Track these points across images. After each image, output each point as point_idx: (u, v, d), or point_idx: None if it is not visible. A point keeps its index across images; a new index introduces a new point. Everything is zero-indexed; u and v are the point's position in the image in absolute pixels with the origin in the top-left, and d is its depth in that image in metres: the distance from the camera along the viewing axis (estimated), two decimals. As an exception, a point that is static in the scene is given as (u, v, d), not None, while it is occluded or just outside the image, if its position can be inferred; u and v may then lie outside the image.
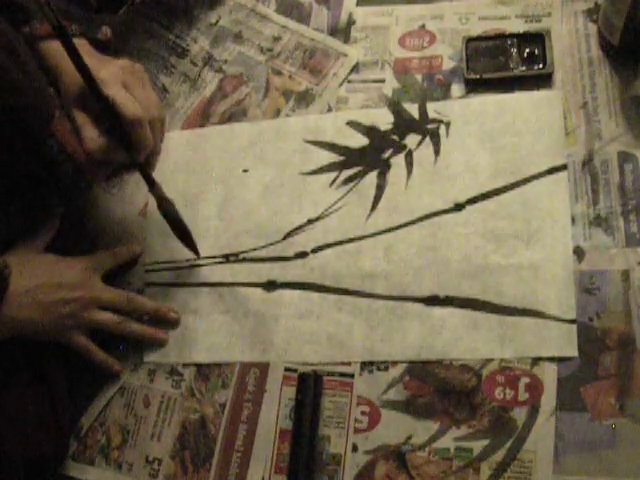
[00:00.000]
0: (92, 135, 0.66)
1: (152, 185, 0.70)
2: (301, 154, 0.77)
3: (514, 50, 0.75)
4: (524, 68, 0.74)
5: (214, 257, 0.76)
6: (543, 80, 0.73)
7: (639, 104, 0.70)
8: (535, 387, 0.63)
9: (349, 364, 0.69)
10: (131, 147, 0.68)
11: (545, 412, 0.62)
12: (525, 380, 0.64)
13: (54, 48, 0.66)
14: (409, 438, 0.65)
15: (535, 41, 0.74)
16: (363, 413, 0.67)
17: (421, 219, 0.71)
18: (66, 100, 0.67)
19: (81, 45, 0.66)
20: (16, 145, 0.62)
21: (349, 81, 0.79)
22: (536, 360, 0.64)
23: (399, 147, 0.75)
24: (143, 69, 0.74)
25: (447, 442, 0.64)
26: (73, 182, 0.70)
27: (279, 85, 0.81)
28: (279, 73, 0.82)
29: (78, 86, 0.66)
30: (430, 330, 0.67)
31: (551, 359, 0.64)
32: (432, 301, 0.68)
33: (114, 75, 0.67)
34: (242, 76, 0.83)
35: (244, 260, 0.75)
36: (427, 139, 0.74)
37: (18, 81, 0.59)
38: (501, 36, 0.76)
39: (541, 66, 0.73)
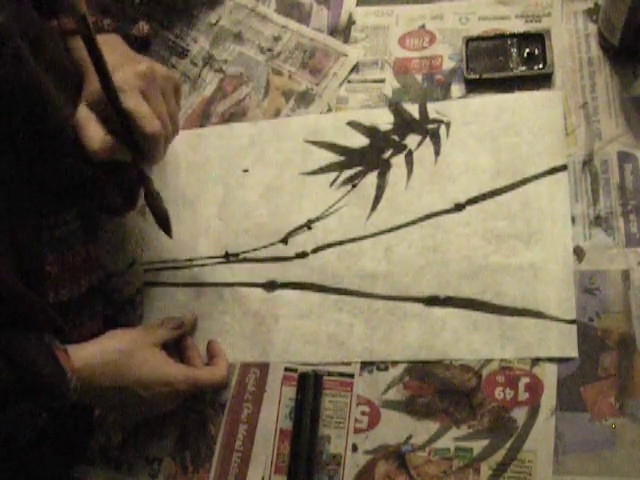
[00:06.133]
0: (96, 134, 0.62)
1: (146, 184, 0.67)
2: (301, 154, 0.77)
3: (514, 50, 0.75)
4: (524, 68, 0.74)
5: (214, 257, 0.76)
6: (543, 80, 0.73)
7: (639, 104, 0.70)
8: (535, 387, 0.63)
9: (349, 364, 0.69)
10: (141, 157, 0.64)
11: (545, 412, 0.62)
12: (525, 380, 0.64)
13: (81, 45, 0.61)
14: (409, 438, 0.65)
15: (535, 41, 0.74)
16: (363, 413, 0.67)
17: (421, 219, 0.71)
18: (83, 100, 0.63)
19: (113, 41, 0.61)
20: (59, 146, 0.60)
21: (349, 81, 0.79)
22: (536, 360, 0.64)
23: (399, 147, 0.75)
24: (170, 75, 0.66)
25: (447, 442, 0.64)
26: (123, 176, 0.68)
27: (279, 85, 0.81)
28: (279, 73, 0.82)
29: (98, 89, 0.61)
30: (430, 330, 0.67)
31: (551, 359, 0.64)
32: (432, 301, 0.68)
33: (130, 81, 0.62)
34: (242, 76, 0.83)
35: (244, 260, 0.75)
36: (427, 139, 0.74)
37: (45, 91, 0.57)
38: (501, 36, 0.76)
39: (541, 66, 0.73)
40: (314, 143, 0.77)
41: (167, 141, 0.66)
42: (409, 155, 0.74)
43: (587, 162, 0.69)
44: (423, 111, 0.76)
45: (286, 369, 0.70)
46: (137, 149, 0.64)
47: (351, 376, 0.68)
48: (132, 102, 0.60)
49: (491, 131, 0.73)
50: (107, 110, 0.62)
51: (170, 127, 0.65)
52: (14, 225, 0.58)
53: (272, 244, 0.75)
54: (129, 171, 0.67)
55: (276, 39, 0.83)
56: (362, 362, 0.68)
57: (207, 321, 0.74)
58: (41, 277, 0.62)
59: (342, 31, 0.82)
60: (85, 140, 0.62)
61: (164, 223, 0.70)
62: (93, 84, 0.61)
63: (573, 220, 0.68)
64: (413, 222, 0.72)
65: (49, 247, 0.63)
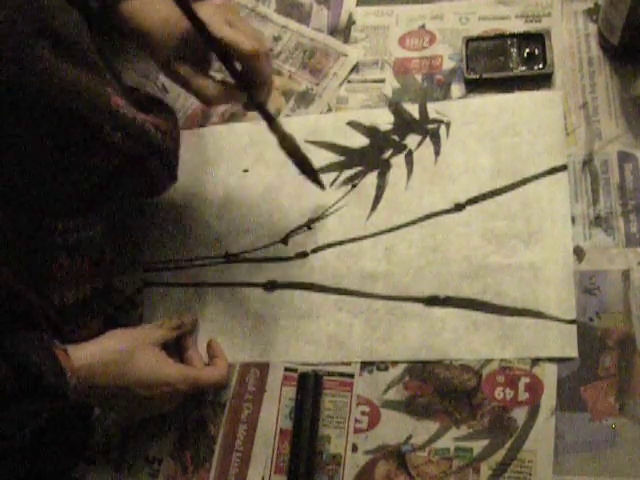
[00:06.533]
0: (205, 84, 0.63)
1: (272, 121, 0.66)
2: (301, 154, 0.77)
3: (514, 50, 0.75)
4: (524, 68, 0.74)
5: (214, 257, 0.76)
6: (543, 80, 0.73)
7: (639, 104, 0.70)
8: (535, 387, 0.63)
9: (349, 364, 0.69)
10: (251, 86, 0.64)
11: (545, 412, 0.62)
12: (525, 380, 0.64)
13: (136, 8, 0.64)
14: (409, 438, 0.65)
15: (535, 41, 0.74)
16: (363, 413, 0.67)
17: (421, 219, 0.71)
18: (162, 57, 0.64)
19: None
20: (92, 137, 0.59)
21: (349, 81, 0.79)
22: (536, 360, 0.64)
23: (399, 147, 0.75)
24: (238, 5, 0.69)
25: (447, 442, 0.64)
26: (164, 145, 0.67)
27: (279, 85, 0.81)
28: (279, 73, 0.82)
29: (174, 39, 0.63)
30: (430, 330, 0.67)
31: (551, 359, 0.64)
32: (432, 301, 0.68)
33: (214, 14, 0.63)
34: (242, 76, 0.83)
35: (244, 260, 0.75)
36: (427, 139, 0.74)
37: (72, 80, 0.55)
38: (501, 36, 0.76)
39: (541, 66, 0.73)
40: (314, 143, 0.77)
41: (268, 60, 0.66)
42: (409, 155, 0.74)
43: (587, 162, 0.69)
44: (423, 111, 0.76)
45: (286, 369, 0.70)
46: (245, 83, 0.64)
47: (351, 376, 0.68)
48: (223, 31, 0.62)
49: (491, 131, 0.73)
50: (197, 57, 0.64)
51: (264, 43, 0.66)
52: (24, 227, 0.57)
53: (272, 244, 0.75)
54: (166, 141, 0.67)
55: (276, 39, 0.83)
56: (362, 362, 0.68)
57: (207, 321, 0.74)
58: (46, 279, 0.62)
59: (342, 31, 0.82)
60: (197, 93, 0.64)
61: (308, 169, 0.68)
62: (163, 38, 0.63)
63: (573, 220, 0.68)
64: (413, 222, 0.72)
65: (60, 251, 0.62)
